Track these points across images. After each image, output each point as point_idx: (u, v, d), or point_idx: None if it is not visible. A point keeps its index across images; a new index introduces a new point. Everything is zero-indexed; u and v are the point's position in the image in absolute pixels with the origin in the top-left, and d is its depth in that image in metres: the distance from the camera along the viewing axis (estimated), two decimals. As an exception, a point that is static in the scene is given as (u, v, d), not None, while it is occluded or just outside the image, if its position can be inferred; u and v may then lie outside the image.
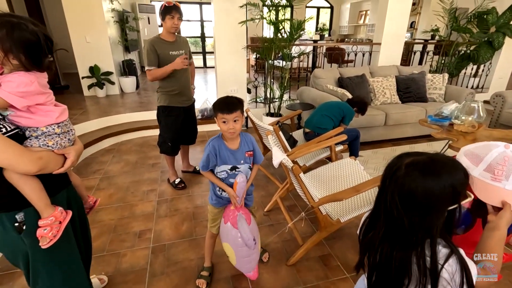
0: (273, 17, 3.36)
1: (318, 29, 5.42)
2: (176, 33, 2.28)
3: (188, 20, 8.98)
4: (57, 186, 1.02)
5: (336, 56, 5.21)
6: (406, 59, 5.91)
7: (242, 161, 1.39)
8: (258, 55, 4.06)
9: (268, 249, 1.87)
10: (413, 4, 5.01)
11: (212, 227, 1.55)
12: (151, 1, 8.23)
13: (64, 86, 5.44)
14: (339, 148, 2.51)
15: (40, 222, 0.93)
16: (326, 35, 6.49)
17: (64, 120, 0.98)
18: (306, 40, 5.62)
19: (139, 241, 1.95)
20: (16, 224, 0.91)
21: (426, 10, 7.62)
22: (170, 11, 2.13)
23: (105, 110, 4.20)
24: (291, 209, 2.31)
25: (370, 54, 4.58)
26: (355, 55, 4.54)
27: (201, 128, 3.27)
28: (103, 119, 3.82)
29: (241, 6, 3.53)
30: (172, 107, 2.37)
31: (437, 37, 5.29)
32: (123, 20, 5.81)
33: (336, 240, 1.95)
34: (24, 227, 0.92)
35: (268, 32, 9.76)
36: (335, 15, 9.95)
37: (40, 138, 0.91)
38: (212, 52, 9.88)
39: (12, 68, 0.85)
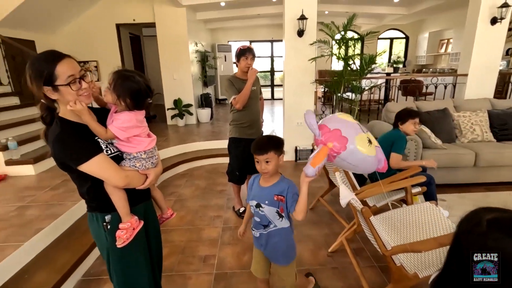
0: (343, 52, 3.38)
1: (392, 61, 5.18)
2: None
3: (259, 57, 9.67)
4: (138, 200, 1.21)
5: (412, 89, 4.85)
6: (501, 91, 5.14)
7: (266, 202, 1.29)
8: (326, 88, 4.08)
9: (332, 295, 1.74)
10: (510, 29, 4.43)
11: (253, 269, 1.50)
12: (228, 42, 9.19)
13: (152, 116, 6.31)
14: (416, 190, 2.26)
15: (120, 225, 1.13)
16: (400, 66, 6.14)
17: (151, 148, 1.18)
18: (378, 73, 5.42)
19: (204, 265, 2.04)
20: (104, 224, 1.13)
21: (527, 35, 6.62)
22: (244, 53, 2.38)
23: (183, 138, 4.69)
24: (358, 253, 2.12)
25: (454, 86, 4.14)
26: (435, 87, 4.16)
27: (266, 159, 3.37)
28: (180, 146, 4.26)
29: (311, 44, 3.66)
30: (241, 139, 2.53)
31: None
32: (204, 59, 6.59)
33: (413, 297, 1.70)
34: (108, 227, 1.13)
35: (336, 65, 9.77)
36: (411, 45, 9.42)
37: (131, 160, 1.13)
38: (279, 85, 10.30)
39: (121, 108, 1.10)
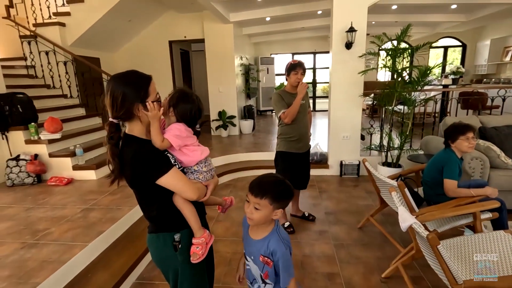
0: (399, 62, 3.21)
1: (451, 71, 4.79)
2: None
3: (301, 68, 9.65)
4: (201, 213, 1.23)
5: (474, 102, 4.40)
6: None
7: (252, 257, 1.12)
8: (374, 101, 3.90)
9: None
10: None
11: None
12: (270, 54, 9.34)
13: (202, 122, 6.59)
14: (486, 216, 2.02)
15: (194, 241, 1.13)
16: (459, 77, 5.62)
17: (206, 157, 1.21)
18: (434, 84, 5.05)
19: (250, 280, 2.02)
20: (174, 243, 1.12)
21: None
22: (295, 67, 2.38)
23: (227, 149, 4.81)
24: (417, 282, 1.94)
25: (526, 99, 3.69)
26: (503, 99, 3.75)
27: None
28: (224, 157, 4.37)
29: (360, 56, 3.56)
30: (289, 153, 2.52)
31: None
32: (248, 72, 6.76)
33: None
34: (180, 246, 1.12)
35: (383, 76, 9.36)
36: (469, 54, 8.69)
37: (193, 173, 1.17)
38: (321, 96, 10.14)
39: (170, 122, 1.18)
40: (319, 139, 4.93)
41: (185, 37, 5.91)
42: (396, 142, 3.55)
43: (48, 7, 4.66)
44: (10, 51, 5.02)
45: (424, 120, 4.14)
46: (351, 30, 3.48)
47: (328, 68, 10.51)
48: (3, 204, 2.79)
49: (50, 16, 4.67)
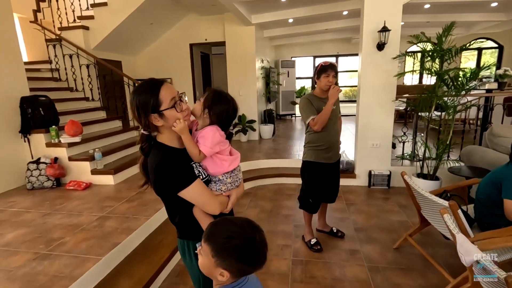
0: (436, 65, 2.92)
1: (497, 75, 4.38)
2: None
3: (323, 72, 9.37)
4: None
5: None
6: None
7: None
8: (407, 107, 3.59)
9: None
10: None
11: None
12: (291, 57, 9.13)
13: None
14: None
15: None
16: (505, 80, 5.11)
17: (235, 168, 1.11)
18: (475, 88, 4.63)
19: (274, 306, 1.82)
20: (195, 252, 1.01)
21: None
22: (326, 69, 2.16)
23: (246, 155, 4.63)
24: (471, 320, 1.65)
25: None
26: (557, 106, 3.34)
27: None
28: (244, 163, 4.18)
29: (394, 58, 3.28)
30: (317, 163, 2.29)
31: None
32: (268, 75, 6.59)
33: None
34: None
35: (410, 79, 8.90)
36: (506, 56, 8.09)
37: (216, 183, 1.09)
38: (344, 101, 9.80)
39: (204, 123, 1.09)
40: (344, 146, 4.65)
41: (206, 39, 5.82)
42: (433, 151, 3.23)
43: (73, 11, 4.71)
44: (37, 54, 5.12)
45: (464, 128, 3.77)
46: (384, 29, 3.22)
47: (351, 71, 10.21)
48: (21, 208, 2.74)
49: (74, 20, 4.71)
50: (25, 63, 4.94)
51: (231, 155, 1.13)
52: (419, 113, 3.62)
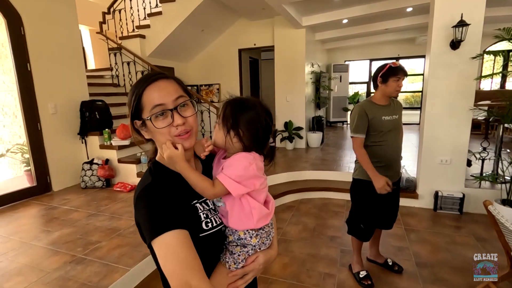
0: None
1: None
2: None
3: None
4: None
5: None
6: None
7: None
8: (490, 117, 2.94)
9: None
10: None
11: None
12: (345, 61, 8.58)
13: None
14: None
15: None
16: None
17: (265, 225, 0.76)
18: None
19: None
20: None
21: None
22: (396, 72, 1.80)
23: (291, 164, 4.36)
24: None
25: None
26: None
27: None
28: (288, 174, 3.92)
29: (473, 58, 2.72)
30: (372, 182, 1.93)
31: None
32: (318, 80, 6.23)
33: None
34: None
35: (489, 84, 7.65)
36: None
37: (233, 245, 0.74)
38: (406, 108, 8.85)
39: (233, 150, 0.76)
40: (404, 160, 4.07)
41: (254, 44, 5.74)
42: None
43: (133, 21, 5.03)
44: (102, 62, 5.62)
45: None
46: (461, 24, 2.69)
47: (415, 75, 9.21)
48: (72, 206, 2.90)
49: (133, 30, 5.03)
50: (92, 70, 5.45)
51: (265, 203, 0.78)
52: (505, 125, 2.95)
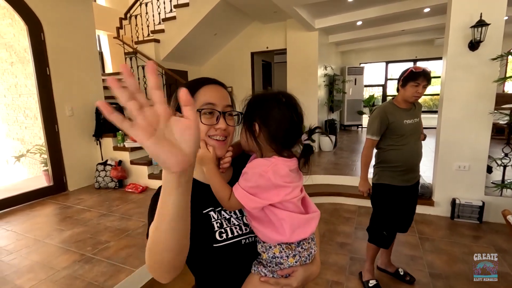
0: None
1: None
2: None
3: (392, 79, 8.40)
4: None
5: None
6: None
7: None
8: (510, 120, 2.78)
9: None
10: None
11: None
12: (360, 64, 8.43)
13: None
14: None
15: None
16: None
17: (304, 239, 0.67)
18: None
19: None
20: None
21: None
22: (416, 77, 1.74)
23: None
24: None
25: None
26: None
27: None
28: (299, 177, 3.86)
29: (494, 59, 2.59)
30: (394, 186, 1.87)
31: None
32: (332, 83, 6.14)
33: None
34: None
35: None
36: None
37: (265, 263, 0.66)
38: (424, 111, 8.57)
39: (257, 154, 0.70)
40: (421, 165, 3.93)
41: (267, 47, 5.74)
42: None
43: (148, 26, 5.15)
44: (119, 66, 5.78)
45: None
46: (481, 24, 2.57)
47: (434, 77, 8.90)
48: (85, 206, 2.98)
49: (148, 34, 5.15)
50: (109, 74, 5.62)
51: (305, 212, 0.69)
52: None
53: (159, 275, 0.55)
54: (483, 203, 2.85)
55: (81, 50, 3.62)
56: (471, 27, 2.63)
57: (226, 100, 0.71)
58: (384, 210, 1.93)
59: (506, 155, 2.86)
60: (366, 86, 8.16)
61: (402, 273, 2.08)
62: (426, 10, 4.58)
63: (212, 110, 0.67)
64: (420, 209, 3.10)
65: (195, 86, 0.69)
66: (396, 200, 1.88)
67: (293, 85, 5.43)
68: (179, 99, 0.40)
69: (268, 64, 7.43)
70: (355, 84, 7.69)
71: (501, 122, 3.64)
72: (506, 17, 4.89)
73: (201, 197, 0.69)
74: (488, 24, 2.55)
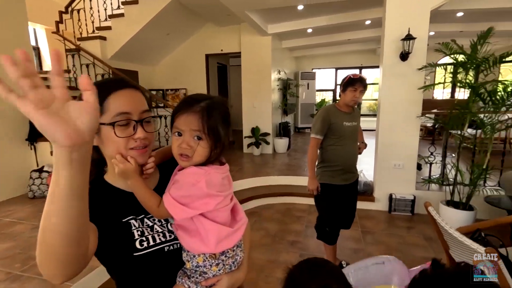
0: (469, 77, 2.54)
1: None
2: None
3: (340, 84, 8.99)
4: None
5: None
6: None
7: None
8: (436, 124, 3.19)
9: None
10: None
11: None
12: (312, 69, 8.86)
13: (231, 141, 6.31)
14: None
15: None
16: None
17: (229, 248, 0.66)
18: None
19: None
20: None
21: None
22: (353, 83, 1.90)
23: (256, 170, 4.38)
24: None
25: None
26: None
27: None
28: (252, 179, 3.93)
29: (420, 69, 2.93)
30: (334, 185, 2.00)
31: None
32: (286, 87, 6.36)
33: None
34: None
35: (441, 93, 8.28)
36: (554, 69, 7.25)
37: (190, 273, 0.65)
38: (370, 115, 9.30)
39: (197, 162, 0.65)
40: (363, 165, 4.26)
41: (221, 50, 5.74)
42: (466, 176, 2.79)
43: (93, 22, 4.81)
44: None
45: (505, 149, 3.27)
46: (408, 37, 2.89)
47: (376, 83, 9.71)
48: (15, 218, 2.67)
49: (93, 31, 4.81)
50: (47, 72, 5.11)
51: (233, 221, 0.68)
52: (450, 131, 3.20)
53: (51, 272, 0.48)
54: (414, 197, 3.19)
55: (11, 44, 3.24)
56: (401, 40, 2.95)
57: (142, 105, 0.65)
58: (326, 208, 2.06)
59: (431, 154, 3.25)
60: (318, 90, 8.60)
61: (344, 265, 2.23)
62: (368, 22, 5.00)
63: (127, 120, 0.62)
64: (363, 205, 3.37)
65: (103, 92, 0.60)
66: (336, 198, 2.02)
67: (247, 88, 5.51)
68: (78, 85, 0.39)
69: (223, 67, 7.43)
70: (308, 88, 8.07)
71: (428, 124, 4.13)
72: (433, 33, 5.55)
73: (121, 205, 0.66)
74: (414, 38, 2.88)
